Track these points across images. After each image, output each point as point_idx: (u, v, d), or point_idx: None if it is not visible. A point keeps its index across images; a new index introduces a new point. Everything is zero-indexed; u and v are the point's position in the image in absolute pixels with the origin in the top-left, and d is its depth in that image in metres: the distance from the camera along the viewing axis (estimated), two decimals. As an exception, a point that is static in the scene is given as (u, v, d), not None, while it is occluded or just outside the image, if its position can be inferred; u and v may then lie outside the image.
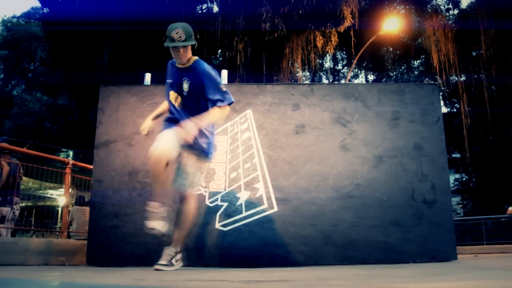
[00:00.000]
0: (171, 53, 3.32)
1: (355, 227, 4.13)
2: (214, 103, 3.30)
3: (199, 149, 3.34)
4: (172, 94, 3.42)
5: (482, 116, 16.98)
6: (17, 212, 5.30)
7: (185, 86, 3.34)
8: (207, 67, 3.39)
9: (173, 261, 3.29)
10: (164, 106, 3.63)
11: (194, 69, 3.37)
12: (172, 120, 3.41)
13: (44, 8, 15.47)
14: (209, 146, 3.41)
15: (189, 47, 3.30)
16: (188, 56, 3.33)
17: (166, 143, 3.15)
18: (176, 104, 3.40)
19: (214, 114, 3.30)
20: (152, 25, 12.34)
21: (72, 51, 14.78)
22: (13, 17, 29.78)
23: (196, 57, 3.43)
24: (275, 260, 4.03)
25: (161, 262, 3.21)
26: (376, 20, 14.68)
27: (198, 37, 3.36)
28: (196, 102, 3.37)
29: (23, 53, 26.11)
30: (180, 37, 3.20)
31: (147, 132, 3.58)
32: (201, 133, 3.28)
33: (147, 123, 3.57)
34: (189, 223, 3.42)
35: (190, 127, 3.10)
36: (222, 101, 3.31)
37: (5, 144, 5.25)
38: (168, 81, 3.48)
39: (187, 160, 3.35)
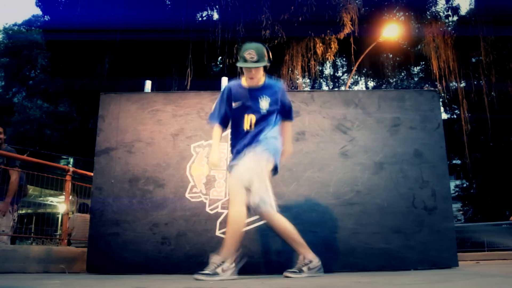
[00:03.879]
0: (244, 73, 3.34)
1: (356, 234, 4.12)
2: (290, 118, 3.61)
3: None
4: (247, 117, 3.34)
5: (482, 122, 16.99)
6: (9, 221, 5.28)
7: (264, 104, 3.33)
8: (280, 83, 3.47)
9: (219, 270, 3.08)
10: (218, 133, 3.50)
11: (270, 85, 3.41)
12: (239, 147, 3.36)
13: (45, 16, 15.52)
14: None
15: (261, 68, 3.32)
16: (259, 76, 3.34)
17: (244, 208, 3.21)
18: (249, 127, 3.34)
19: (290, 130, 3.66)
20: (153, 32, 12.43)
21: (73, 58, 14.83)
22: (14, 24, 29.93)
23: (266, 76, 3.44)
24: (275, 267, 4.02)
25: (204, 271, 3.04)
26: (375, 27, 14.73)
27: (271, 58, 3.38)
28: (270, 119, 3.37)
29: (24, 61, 26.20)
30: (252, 57, 3.22)
31: (219, 167, 3.60)
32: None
33: (216, 157, 3.40)
34: (236, 230, 3.21)
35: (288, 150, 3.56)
36: (292, 117, 3.65)
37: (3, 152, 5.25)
38: (235, 104, 3.38)
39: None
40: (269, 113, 3.35)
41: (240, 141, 3.35)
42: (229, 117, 3.48)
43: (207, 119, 3.56)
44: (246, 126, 3.34)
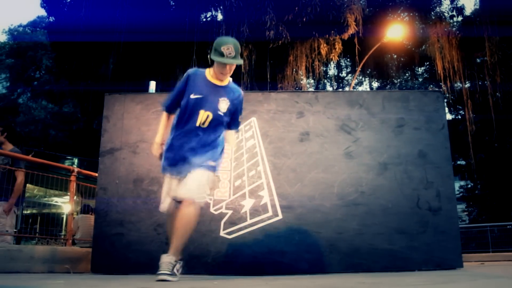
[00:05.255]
0: (215, 67, 3.11)
1: (360, 234, 4.12)
2: (236, 128, 3.39)
3: (211, 168, 3.17)
4: (203, 113, 3.10)
5: (487, 123, 16.91)
6: (13, 220, 5.31)
7: (223, 106, 3.14)
8: (240, 90, 3.31)
9: (175, 270, 2.95)
10: (165, 121, 3.32)
11: (232, 90, 3.23)
12: (177, 149, 3.15)
13: (50, 17, 15.58)
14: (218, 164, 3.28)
15: (234, 66, 3.13)
16: (230, 74, 3.17)
17: (168, 202, 3.18)
18: (204, 124, 3.12)
19: (235, 139, 3.47)
20: (157, 33, 12.45)
21: (78, 59, 14.87)
22: (19, 26, 30.02)
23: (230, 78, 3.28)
24: (279, 268, 4.02)
25: (163, 271, 2.86)
26: (380, 27, 14.70)
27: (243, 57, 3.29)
28: (221, 124, 3.20)
29: (29, 62, 26.29)
30: (230, 53, 3.00)
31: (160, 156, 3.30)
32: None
33: (158, 149, 3.28)
34: (188, 230, 3.04)
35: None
36: (238, 128, 3.44)
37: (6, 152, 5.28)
38: (194, 96, 3.12)
39: (196, 172, 3.10)
40: (224, 115, 3.16)
41: (188, 136, 3.12)
42: (179, 105, 3.22)
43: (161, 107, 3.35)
44: (198, 122, 3.10)
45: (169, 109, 3.28)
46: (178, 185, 3.13)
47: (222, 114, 3.15)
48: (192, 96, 3.11)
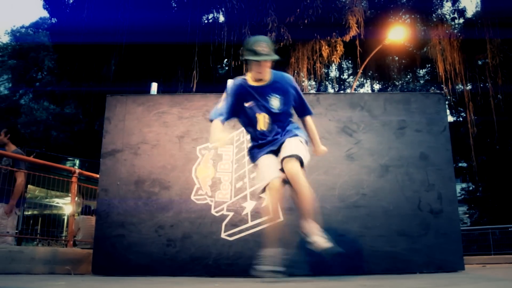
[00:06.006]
0: (251, 68, 3.09)
1: (361, 237, 4.11)
2: (309, 114, 3.39)
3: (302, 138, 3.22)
4: (261, 117, 3.15)
5: (489, 125, 16.89)
6: (14, 221, 5.32)
7: (275, 102, 3.14)
8: (289, 76, 3.28)
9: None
10: (220, 124, 3.12)
11: (278, 81, 3.18)
12: (263, 145, 3.20)
13: (52, 18, 15.59)
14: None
15: (270, 62, 3.09)
16: (268, 71, 3.12)
17: (276, 173, 3.04)
18: (265, 126, 3.16)
19: (314, 127, 3.41)
20: (159, 35, 12.46)
21: (80, 60, 14.89)
22: (22, 27, 30.10)
23: (270, 69, 3.21)
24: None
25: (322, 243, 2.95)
26: (381, 29, 14.69)
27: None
28: (285, 116, 3.22)
29: (31, 63, 26.34)
30: (263, 49, 2.98)
31: (224, 143, 3.12)
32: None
33: (221, 135, 3.03)
34: (308, 191, 3.03)
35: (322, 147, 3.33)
36: (310, 110, 3.41)
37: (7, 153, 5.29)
38: (248, 104, 3.15)
39: (290, 139, 3.14)
40: (283, 112, 3.17)
41: (263, 140, 3.19)
42: (236, 116, 3.26)
43: (209, 118, 3.23)
44: (261, 126, 3.16)
45: (223, 118, 3.16)
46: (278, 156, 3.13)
47: (278, 110, 3.15)
48: (246, 105, 3.17)
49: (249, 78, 3.18)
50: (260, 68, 3.05)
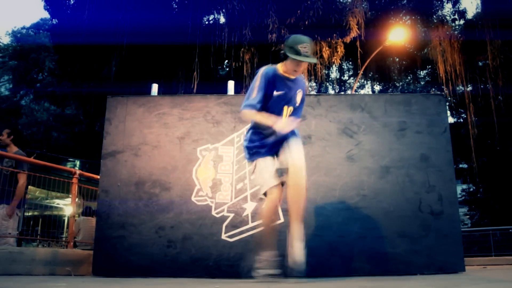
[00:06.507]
0: (288, 64, 3.13)
1: (362, 238, 4.11)
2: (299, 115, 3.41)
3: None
4: (287, 108, 3.25)
5: (489, 126, 16.88)
6: (15, 223, 5.33)
7: (299, 97, 3.29)
8: (302, 76, 3.40)
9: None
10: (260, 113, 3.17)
11: (301, 80, 3.34)
12: (264, 145, 3.24)
13: (53, 19, 15.63)
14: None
15: (307, 64, 3.24)
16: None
17: (277, 180, 3.10)
18: (287, 117, 3.25)
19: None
20: (159, 36, 12.46)
21: (80, 61, 14.90)
22: (23, 28, 30.15)
23: None
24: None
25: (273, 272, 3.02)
26: (382, 30, 14.69)
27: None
28: (298, 113, 3.36)
29: (31, 64, 26.38)
30: (307, 51, 3.04)
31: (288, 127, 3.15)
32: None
33: (282, 120, 3.12)
34: (304, 201, 3.11)
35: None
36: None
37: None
38: (278, 93, 3.19)
39: (293, 140, 3.20)
40: (298, 109, 3.35)
41: (264, 141, 3.24)
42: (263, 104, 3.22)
43: (242, 107, 3.18)
44: (284, 116, 3.23)
45: (259, 108, 3.16)
46: (277, 159, 3.18)
47: (298, 105, 3.31)
48: (275, 93, 3.19)
49: (281, 69, 3.22)
50: (298, 67, 3.14)
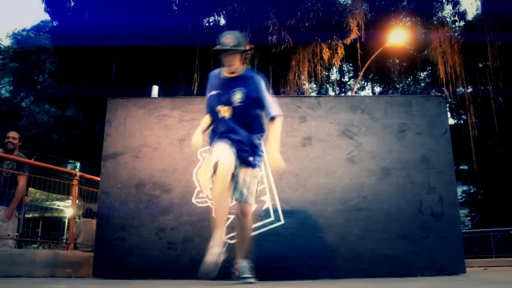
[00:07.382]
0: (223, 60, 3.30)
1: (362, 239, 4.11)
2: (270, 115, 3.32)
3: (252, 164, 3.27)
4: (223, 107, 3.28)
5: (490, 128, 16.89)
6: (15, 224, 5.34)
7: (238, 96, 3.25)
8: (258, 77, 3.36)
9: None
10: (207, 120, 3.44)
11: (246, 77, 3.33)
12: (223, 132, 3.29)
13: (54, 21, 15.63)
14: (260, 159, 3.37)
15: (238, 55, 3.28)
16: (237, 64, 3.28)
17: (229, 156, 3.10)
18: (227, 116, 3.27)
19: (279, 128, 3.33)
20: (160, 38, 12.46)
21: (81, 63, 14.90)
22: (23, 30, 30.15)
23: (247, 66, 3.42)
24: (281, 273, 4.01)
25: (248, 275, 3.19)
26: (382, 32, 14.71)
27: (251, 50, 3.38)
28: (245, 112, 3.28)
29: (32, 66, 26.39)
30: (229, 42, 3.20)
31: (200, 147, 3.47)
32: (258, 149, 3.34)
33: (198, 138, 3.32)
34: (250, 234, 3.36)
35: (279, 159, 3.18)
36: (278, 113, 3.35)
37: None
38: (213, 93, 3.34)
39: (243, 172, 3.23)
40: (244, 104, 3.25)
41: (222, 125, 3.30)
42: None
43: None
44: (221, 115, 3.28)
45: (207, 111, 3.45)
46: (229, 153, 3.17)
47: (240, 104, 3.24)
48: (212, 93, 3.35)
49: (223, 70, 3.38)
50: (225, 60, 3.27)
